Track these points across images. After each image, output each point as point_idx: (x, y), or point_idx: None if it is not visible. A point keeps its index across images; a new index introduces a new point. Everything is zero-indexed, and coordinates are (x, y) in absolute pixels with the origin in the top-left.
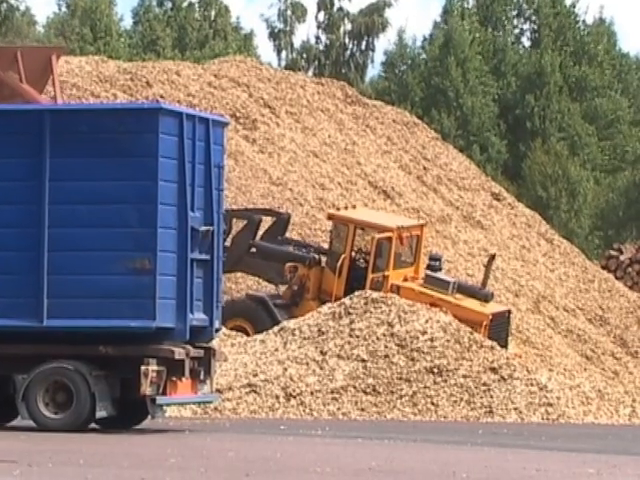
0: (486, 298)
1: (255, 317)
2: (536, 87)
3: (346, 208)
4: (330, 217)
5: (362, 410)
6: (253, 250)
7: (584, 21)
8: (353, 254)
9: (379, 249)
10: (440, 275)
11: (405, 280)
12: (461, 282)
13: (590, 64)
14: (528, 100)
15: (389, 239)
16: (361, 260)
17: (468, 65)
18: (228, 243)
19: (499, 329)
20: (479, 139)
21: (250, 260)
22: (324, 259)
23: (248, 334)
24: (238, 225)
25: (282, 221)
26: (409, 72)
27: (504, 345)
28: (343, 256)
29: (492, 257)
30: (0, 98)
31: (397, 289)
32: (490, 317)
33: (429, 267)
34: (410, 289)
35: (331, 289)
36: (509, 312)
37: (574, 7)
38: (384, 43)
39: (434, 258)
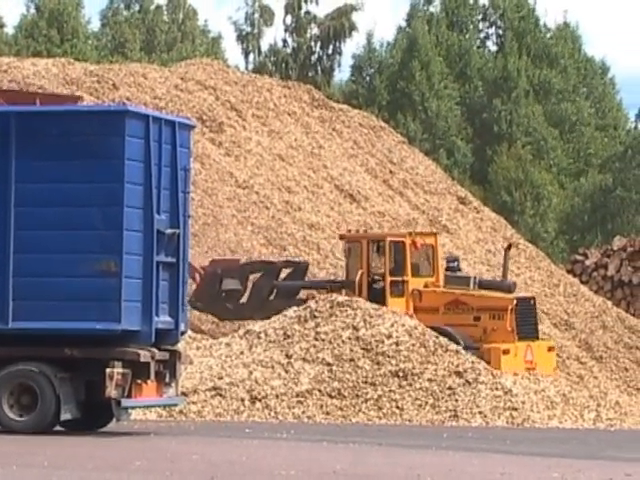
0: (509, 289)
1: None
2: (502, 91)
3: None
4: (342, 237)
5: (327, 414)
6: (274, 292)
7: (545, 24)
8: (370, 274)
9: (394, 253)
10: (460, 274)
11: (426, 286)
12: (481, 278)
13: (554, 68)
14: (495, 104)
15: (402, 243)
16: (378, 278)
17: (432, 69)
18: (245, 299)
19: (526, 315)
20: (445, 143)
21: (273, 302)
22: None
23: None
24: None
25: (300, 269)
26: (377, 76)
27: (534, 334)
28: (360, 271)
29: (509, 247)
30: None
31: (419, 294)
32: (515, 302)
33: (448, 269)
34: (432, 291)
35: None
36: (534, 299)
37: (535, 11)
38: (352, 47)
39: (451, 260)
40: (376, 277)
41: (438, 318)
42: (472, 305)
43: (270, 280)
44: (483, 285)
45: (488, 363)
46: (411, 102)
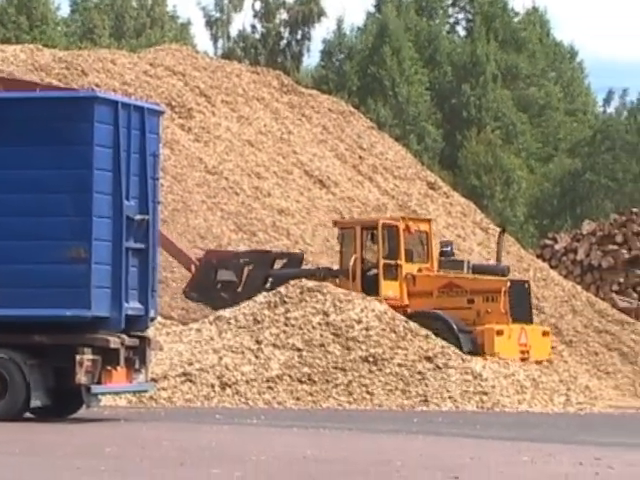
0: (503, 273)
1: None
2: (471, 76)
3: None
4: (335, 224)
5: (297, 399)
6: (270, 281)
7: (513, 9)
8: (365, 260)
9: (387, 237)
10: (453, 258)
11: (420, 271)
12: (475, 262)
13: (522, 53)
14: (464, 89)
15: (396, 228)
16: (372, 265)
17: (403, 55)
18: (240, 289)
19: (520, 298)
20: (415, 128)
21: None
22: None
23: None
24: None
25: (295, 260)
26: (347, 61)
27: (528, 317)
28: (354, 256)
29: (502, 231)
30: None
31: (413, 278)
32: (508, 284)
33: (442, 254)
34: (426, 275)
35: None
36: (528, 283)
37: None
38: (322, 32)
39: (445, 244)
40: (370, 264)
41: (432, 302)
42: (466, 288)
43: (265, 269)
44: (477, 269)
45: (482, 345)
46: (382, 87)
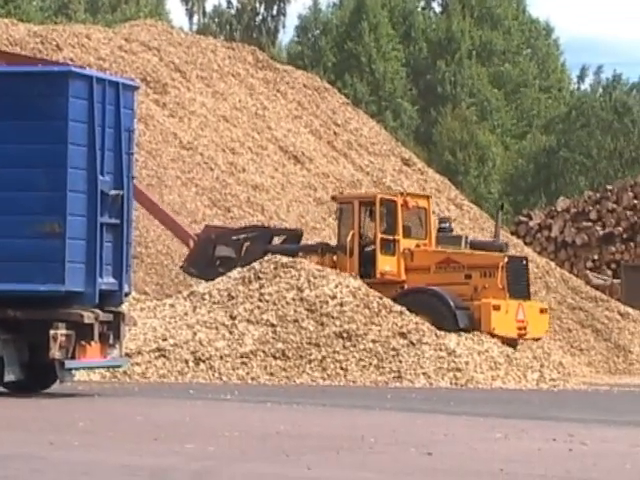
0: (501, 249)
1: None
2: (446, 52)
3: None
4: (334, 198)
5: (271, 375)
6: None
7: None
8: (362, 237)
9: (385, 211)
10: (451, 234)
11: (417, 247)
12: (473, 239)
13: (497, 29)
14: (439, 65)
15: (394, 203)
16: (370, 241)
17: (381, 31)
18: (239, 265)
19: (517, 274)
20: (391, 105)
21: None
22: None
23: None
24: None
25: (294, 236)
26: (322, 37)
27: (526, 294)
28: (352, 232)
29: (501, 207)
30: None
31: (410, 253)
32: (506, 260)
33: (440, 230)
34: (423, 251)
35: (345, 271)
36: (526, 259)
37: None
38: (298, 7)
39: (443, 220)
40: (368, 239)
41: (429, 277)
42: (463, 264)
43: (263, 245)
44: (475, 245)
45: (479, 320)
46: (358, 64)
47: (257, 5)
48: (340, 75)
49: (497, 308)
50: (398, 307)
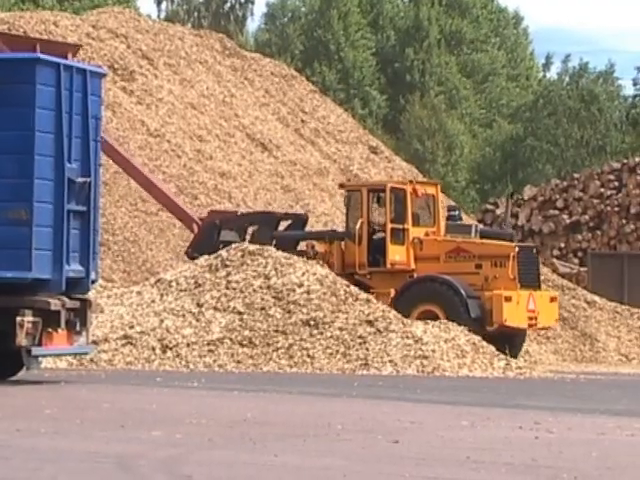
0: (510, 238)
1: None
2: (415, 41)
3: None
4: (342, 186)
5: (238, 362)
6: (274, 244)
7: None
8: (371, 225)
9: (395, 199)
10: (460, 222)
11: (426, 235)
12: (483, 228)
13: (466, 18)
14: (407, 53)
15: (403, 191)
16: (379, 229)
17: (349, 19)
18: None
19: (528, 264)
20: (359, 93)
21: None
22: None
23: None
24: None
25: (300, 221)
26: (290, 24)
27: (536, 283)
28: (360, 220)
29: (510, 195)
30: None
31: (420, 242)
32: (517, 249)
33: (449, 218)
34: (433, 240)
35: (354, 259)
36: (536, 248)
37: None
38: None
39: (452, 209)
40: (376, 227)
41: (439, 266)
42: (474, 253)
43: (269, 231)
44: (484, 234)
45: (490, 311)
46: (327, 51)
47: None
48: (308, 63)
49: (509, 299)
50: (365, 295)
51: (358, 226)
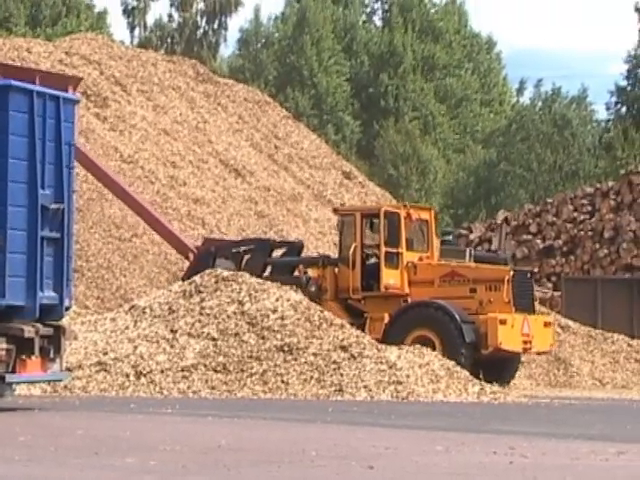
0: (505, 262)
1: None
2: (389, 66)
3: None
4: (335, 211)
5: (212, 388)
6: (269, 270)
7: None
8: (364, 249)
9: (388, 224)
10: (454, 247)
11: (420, 260)
12: (477, 252)
13: (440, 43)
14: (382, 79)
15: (397, 215)
16: (372, 253)
17: (323, 44)
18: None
19: (522, 288)
20: (333, 118)
21: (267, 279)
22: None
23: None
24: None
25: (295, 249)
26: (264, 50)
27: (531, 309)
28: (354, 245)
29: (504, 220)
30: None
31: (414, 267)
32: (512, 273)
33: (443, 242)
34: (427, 264)
35: (347, 284)
36: (531, 272)
37: None
38: (241, 21)
39: (445, 233)
40: (369, 252)
41: (433, 291)
42: (468, 277)
43: (263, 257)
44: (479, 258)
45: (485, 334)
46: (300, 77)
47: (198, 19)
48: (282, 89)
49: (503, 322)
50: (339, 320)
51: (352, 250)
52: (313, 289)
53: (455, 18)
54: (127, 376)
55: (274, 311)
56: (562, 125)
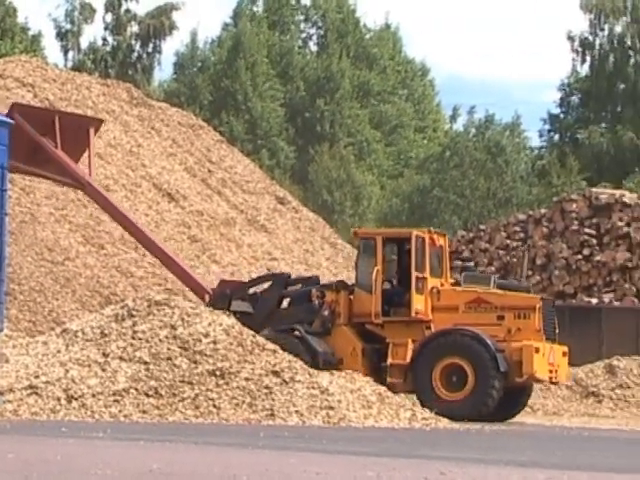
0: (527, 290)
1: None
2: (325, 92)
3: None
4: (355, 234)
5: (144, 412)
6: (286, 302)
7: (365, 25)
8: (385, 273)
9: (417, 248)
10: (478, 274)
11: (442, 285)
12: (499, 279)
13: (374, 69)
14: (318, 104)
15: (422, 240)
16: (393, 277)
17: (257, 69)
18: (254, 311)
19: (548, 316)
20: (267, 143)
21: (282, 312)
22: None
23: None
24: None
25: (311, 283)
26: (199, 74)
27: (555, 338)
28: (376, 268)
29: (527, 248)
30: (35, 163)
31: (437, 292)
32: (541, 301)
33: (464, 269)
34: (451, 290)
35: (368, 309)
36: (554, 301)
37: (356, 12)
38: (176, 44)
39: (466, 260)
40: (390, 276)
41: (458, 317)
42: (496, 304)
43: (279, 290)
44: (502, 286)
45: (518, 362)
46: (235, 102)
47: (132, 42)
48: (217, 113)
49: (537, 351)
50: (271, 345)
51: (374, 275)
52: (326, 313)
53: (390, 44)
54: (58, 400)
55: (206, 335)
56: (495, 152)
